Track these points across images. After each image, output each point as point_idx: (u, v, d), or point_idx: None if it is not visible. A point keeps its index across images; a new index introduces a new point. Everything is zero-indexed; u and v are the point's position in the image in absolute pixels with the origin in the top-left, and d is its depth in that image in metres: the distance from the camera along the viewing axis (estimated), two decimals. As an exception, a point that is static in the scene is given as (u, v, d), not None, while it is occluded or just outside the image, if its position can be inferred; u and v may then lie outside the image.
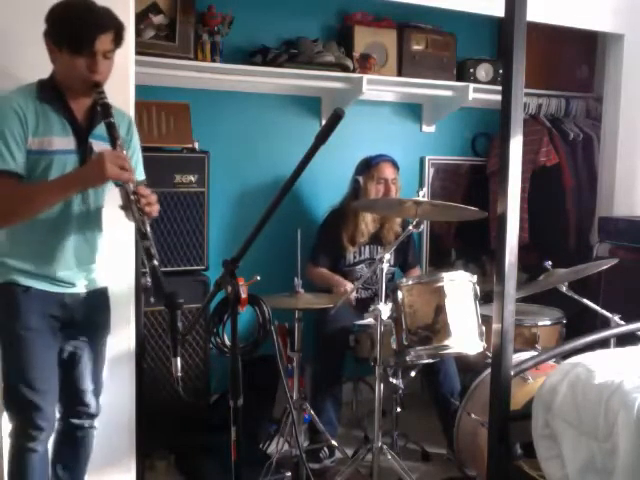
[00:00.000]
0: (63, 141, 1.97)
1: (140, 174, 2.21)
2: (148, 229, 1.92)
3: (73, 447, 2.23)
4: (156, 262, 1.88)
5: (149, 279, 1.86)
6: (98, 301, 2.17)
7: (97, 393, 2.21)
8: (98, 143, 2.01)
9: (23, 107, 1.92)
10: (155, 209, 1.99)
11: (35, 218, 1.95)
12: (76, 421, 2.20)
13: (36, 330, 1.99)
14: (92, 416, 2.22)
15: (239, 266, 1.57)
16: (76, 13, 1.90)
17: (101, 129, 1.99)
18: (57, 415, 2.16)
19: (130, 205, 1.93)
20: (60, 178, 1.95)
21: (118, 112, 2.08)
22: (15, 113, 1.90)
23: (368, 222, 3.42)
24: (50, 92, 1.98)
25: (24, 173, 1.93)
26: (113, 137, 1.94)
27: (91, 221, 2.10)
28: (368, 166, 3.42)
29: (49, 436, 2.08)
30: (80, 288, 2.09)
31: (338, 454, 3.05)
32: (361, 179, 3.41)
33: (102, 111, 1.96)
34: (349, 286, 3.24)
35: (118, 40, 1.96)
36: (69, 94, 1.99)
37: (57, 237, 2.01)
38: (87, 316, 2.12)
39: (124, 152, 1.95)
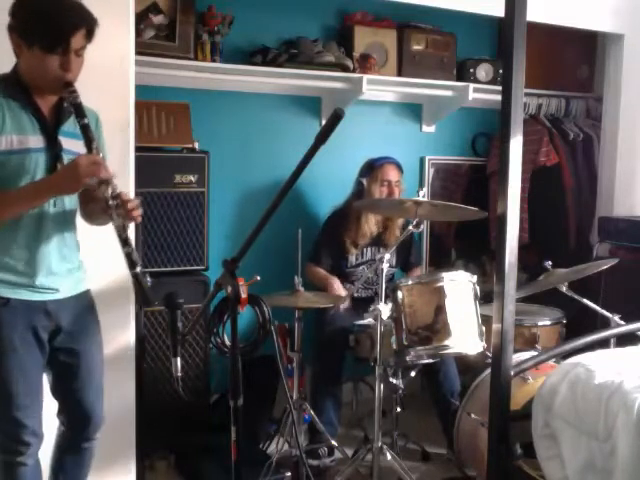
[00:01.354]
0: (32, 139, 1.89)
1: None
2: (129, 235, 1.87)
3: (77, 458, 2.16)
4: (139, 269, 1.83)
5: (148, 280, 1.84)
6: (82, 305, 2.09)
7: (100, 402, 2.14)
8: (67, 140, 1.94)
9: None
10: (138, 213, 1.91)
11: (11, 225, 1.89)
12: (81, 433, 2.13)
13: (19, 345, 1.91)
14: (97, 426, 2.14)
15: (239, 266, 1.57)
16: (50, 9, 1.82)
17: (69, 126, 1.93)
18: (62, 427, 2.13)
19: (109, 210, 1.84)
20: (33, 185, 1.87)
21: (86, 109, 1.99)
22: None
23: (371, 224, 3.42)
24: (15, 88, 1.89)
25: None
26: (89, 139, 1.87)
27: (68, 221, 2.02)
28: (372, 168, 3.42)
29: (39, 448, 2.02)
30: (63, 293, 2.00)
31: (338, 454, 3.05)
32: (365, 181, 3.41)
33: (76, 112, 1.88)
34: (338, 288, 3.25)
35: (90, 36, 1.88)
36: (35, 91, 1.91)
37: (37, 241, 1.93)
38: (74, 322, 2.04)
39: (100, 155, 1.88)
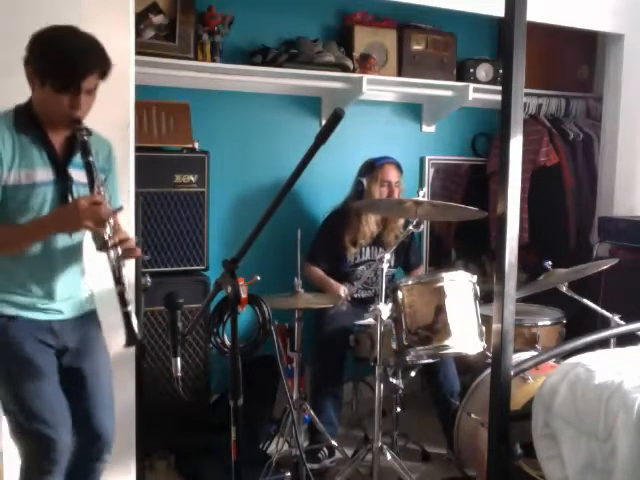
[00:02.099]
0: (41, 173, 1.91)
1: (116, 202, 2.14)
2: (123, 274, 1.89)
3: (87, 478, 2.14)
4: (130, 308, 1.86)
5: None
6: (87, 325, 2.10)
7: (110, 420, 2.13)
8: (77, 172, 1.95)
9: None
10: (134, 252, 1.96)
11: (20, 253, 1.91)
12: (90, 452, 2.10)
13: (32, 356, 1.92)
14: (108, 445, 2.12)
15: (239, 266, 1.57)
16: (64, 50, 1.81)
17: (80, 157, 1.94)
18: (72, 447, 2.07)
19: (107, 250, 1.88)
20: (36, 222, 1.89)
21: (98, 139, 2.02)
22: None
23: (371, 224, 3.41)
24: (27, 122, 1.91)
25: None
26: (91, 178, 1.89)
27: (75, 251, 2.05)
28: (372, 168, 3.41)
29: (65, 467, 2.00)
30: (67, 314, 2.03)
31: (338, 454, 3.05)
32: (365, 181, 3.40)
33: (81, 150, 1.91)
34: (341, 289, 3.26)
35: (103, 76, 1.89)
36: (47, 124, 1.93)
37: (43, 270, 1.96)
38: (80, 341, 2.05)
39: (102, 194, 1.90)
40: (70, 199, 1.94)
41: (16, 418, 1.95)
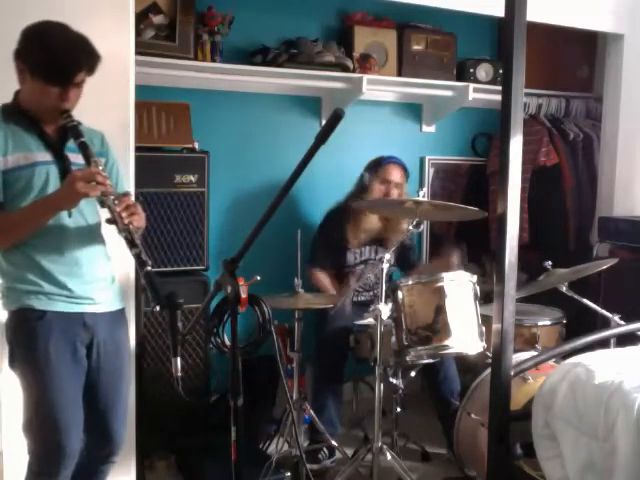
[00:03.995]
0: (40, 155, 1.93)
1: (122, 187, 2.17)
2: (136, 236, 1.88)
3: (93, 478, 2.15)
4: (149, 267, 1.84)
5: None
6: (118, 324, 2.11)
7: (124, 424, 2.13)
8: (74, 155, 1.97)
9: None
10: (138, 219, 1.95)
11: (34, 239, 1.92)
12: (101, 454, 2.11)
13: (57, 361, 1.91)
14: (118, 448, 2.13)
15: (239, 266, 1.57)
16: (57, 46, 1.84)
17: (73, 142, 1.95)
18: (81, 445, 2.08)
19: (114, 216, 1.88)
20: (35, 203, 1.90)
21: (89, 130, 2.04)
22: None
23: (373, 222, 3.40)
24: (16, 115, 1.93)
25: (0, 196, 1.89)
26: (87, 155, 1.90)
27: (93, 234, 2.05)
28: (377, 165, 3.41)
29: (72, 470, 2.01)
30: (100, 306, 2.02)
31: (338, 454, 3.05)
32: (367, 176, 3.40)
33: (72, 134, 1.92)
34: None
35: (92, 71, 1.92)
36: (37, 117, 1.95)
37: (62, 253, 1.96)
38: (109, 340, 2.05)
39: (100, 167, 1.90)
40: None
41: (31, 416, 1.95)
